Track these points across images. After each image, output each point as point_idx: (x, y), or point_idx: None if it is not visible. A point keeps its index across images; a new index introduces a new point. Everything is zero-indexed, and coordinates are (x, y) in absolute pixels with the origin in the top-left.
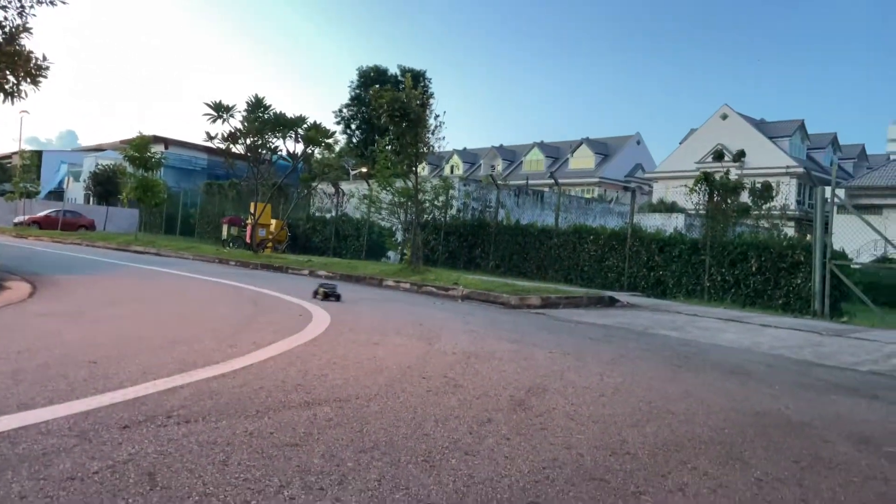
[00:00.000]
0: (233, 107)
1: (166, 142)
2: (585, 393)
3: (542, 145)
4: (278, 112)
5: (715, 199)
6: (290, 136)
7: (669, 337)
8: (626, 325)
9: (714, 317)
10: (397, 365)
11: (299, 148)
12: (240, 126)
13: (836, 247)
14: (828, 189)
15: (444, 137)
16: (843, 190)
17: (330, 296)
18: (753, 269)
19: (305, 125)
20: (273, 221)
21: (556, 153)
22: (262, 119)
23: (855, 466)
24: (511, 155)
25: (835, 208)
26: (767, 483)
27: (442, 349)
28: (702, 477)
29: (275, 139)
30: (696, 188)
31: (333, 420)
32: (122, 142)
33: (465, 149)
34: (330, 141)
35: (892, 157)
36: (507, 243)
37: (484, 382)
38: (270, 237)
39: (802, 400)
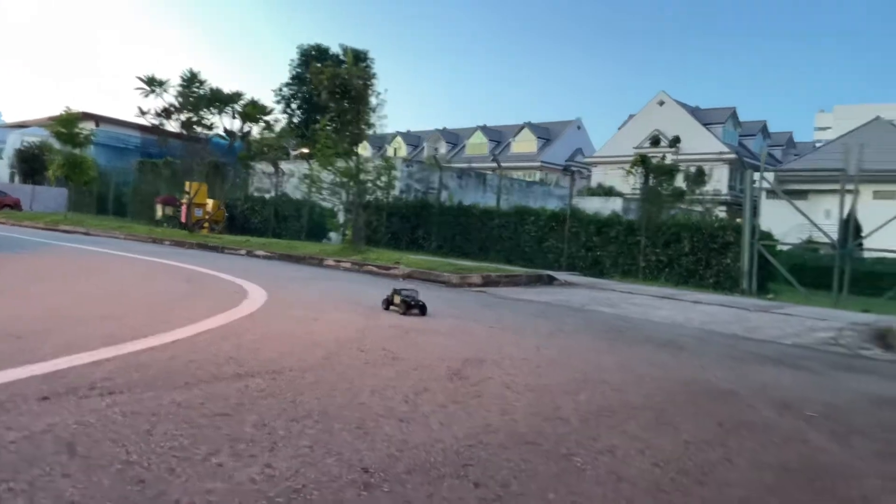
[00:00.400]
0: (166, 81)
1: (97, 119)
2: (522, 364)
3: (485, 129)
4: (214, 87)
5: (650, 181)
6: (227, 113)
7: (605, 313)
8: (564, 303)
9: (648, 294)
10: (335, 339)
11: (236, 125)
12: (174, 101)
13: (765, 229)
14: (756, 174)
15: (385, 116)
16: (772, 175)
17: (412, 307)
18: (686, 249)
19: (242, 101)
20: (210, 201)
21: (498, 137)
22: (197, 94)
23: (776, 429)
24: (454, 138)
25: (763, 193)
26: (694, 444)
27: (381, 324)
28: (631, 440)
29: (210, 116)
30: (633, 171)
31: (266, 391)
32: (49, 118)
33: (408, 131)
34: (269, 118)
35: (818, 144)
36: (450, 224)
37: (422, 355)
38: (207, 217)
39: (730, 370)
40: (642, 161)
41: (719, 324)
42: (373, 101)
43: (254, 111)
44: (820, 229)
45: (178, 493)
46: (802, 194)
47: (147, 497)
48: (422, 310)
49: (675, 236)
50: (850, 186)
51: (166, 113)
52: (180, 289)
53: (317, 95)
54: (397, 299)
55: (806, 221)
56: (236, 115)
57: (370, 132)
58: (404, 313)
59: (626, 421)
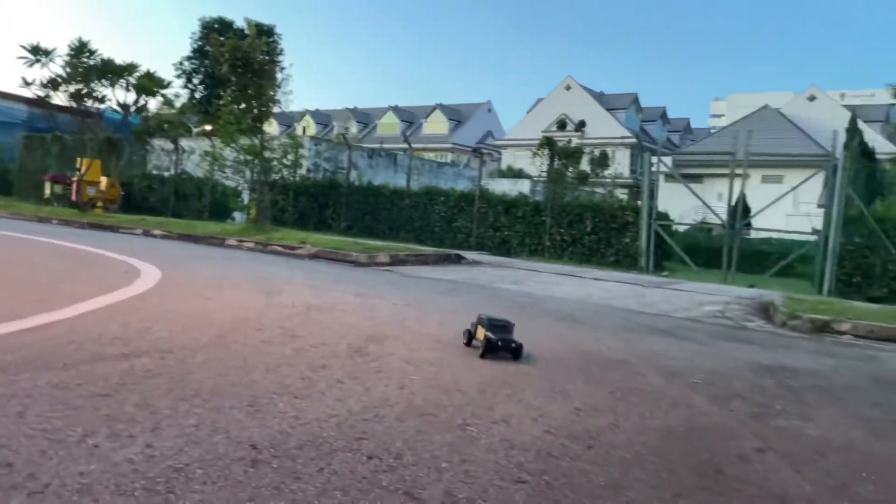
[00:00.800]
0: (53, 50)
1: None
2: (424, 339)
3: (396, 109)
4: (106, 58)
5: (556, 163)
6: (121, 85)
7: (510, 290)
8: (470, 281)
9: (552, 272)
10: (231, 318)
11: (131, 98)
12: (61, 72)
13: (662, 210)
14: (654, 157)
15: (291, 91)
16: (670, 159)
17: (499, 347)
18: (588, 229)
19: (137, 73)
20: (104, 179)
21: (410, 117)
22: (87, 65)
23: (663, 395)
24: (365, 118)
25: (662, 177)
26: (584, 411)
27: (282, 302)
28: (526, 409)
29: (102, 88)
30: (540, 153)
31: (152, 371)
32: None
33: (317, 110)
34: (166, 92)
35: (712, 130)
36: (359, 204)
37: (323, 332)
38: (100, 196)
39: (622, 341)
40: (548, 143)
41: (617, 299)
42: (278, 76)
43: (149, 84)
44: (712, 210)
45: (48, 476)
46: (698, 178)
47: (14, 481)
48: (515, 353)
49: (579, 216)
50: (739, 170)
51: (53, 84)
52: (66, 268)
53: (218, 68)
54: (480, 332)
55: (700, 203)
56: (130, 88)
57: (276, 109)
58: (483, 355)
59: (522, 391)
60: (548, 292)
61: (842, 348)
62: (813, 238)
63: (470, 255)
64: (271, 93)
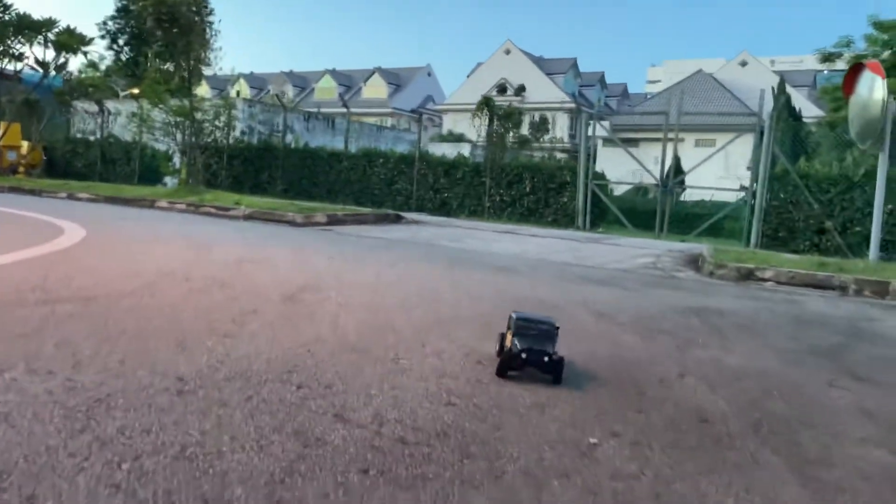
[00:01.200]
0: None
1: None
2: (360, 288)
3: (334, 73)
4: (22, 13)
5: (496, 125)
6: (39, 42)
7: (449, 246)
8: (410, 239)
9: (491, 230)
10: (157, 270)
11: (50, 56)
12: None
13: (599, 171)
14: (590, 114)
15: (220, 48)
16: (608, 123)
17: (525, 362)
18: (528, 189)
19: (56, 29)
20: (24, 143)
21: (348, 81)
22: (2, 20)
23: (591, 331)
24: (302, 81)
25: (600, 141)
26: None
27: (212, 257)
28: (459, 346)
29: (20, 45)
30: (479, 114)
31: (75, 315)
32: None
33: (252, 73)
34: (90, 51)
35: (649, 95)
36: (296, 167)
37: (255, 282)
38: (22, 161)
39: (556, 288)
40: (486, 104)
41: (552, 253)
42: (206, 32)
43: (70, 40)
44: (646, 170)
45: None
46: (634, 142)
47: None
48: (551, 371)
49: (518, 177)
50: (672, 134)
51: None
52: None
53: (142, 24)
54: (508, 339)
55: (637, 168)
56: (50, 45)
57: (206, 68)
58: (500, 372)
59: (456, 330)
60: (486, 248)
61: (765, 293)
62: (741, 195)
63: (410, 216)
64: (200, 50)
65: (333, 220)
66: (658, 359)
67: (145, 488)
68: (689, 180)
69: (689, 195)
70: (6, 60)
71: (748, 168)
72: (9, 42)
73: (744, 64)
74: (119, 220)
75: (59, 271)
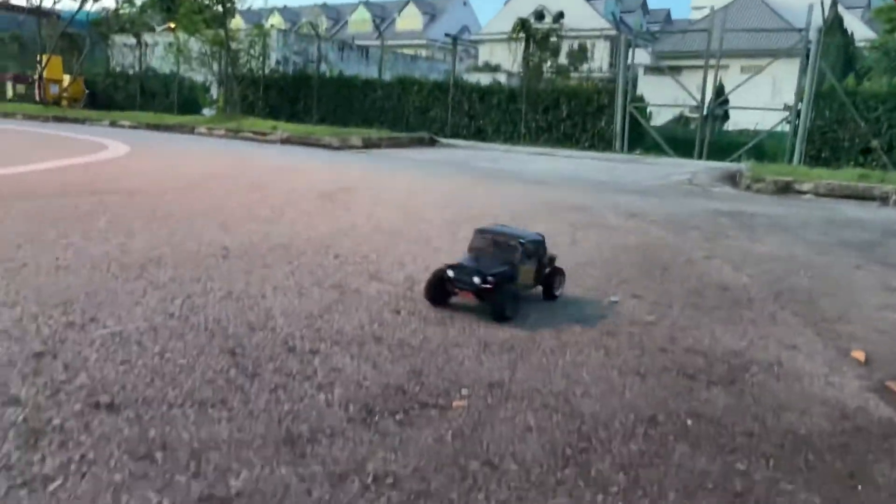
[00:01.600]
0: None
1: None
2: (394, 191)
3: (368, 4)
4: None
5: (532, 49)
6: None
7: (483, 166)
8: (445, 159)
9: (526, 152)
10: (200, 174)
11: None
12: None
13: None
14: (629, 37)
15: None
16: (649, 50)
17: (465, 285)
18: (564, 114)
19: None
20: (66, 77)
21: (382, 13)
22: None
23: (621, 228)
24: (336, 14)
25: (641, 69)
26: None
27: (252, 165)
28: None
29: None
30: (515, 36)
31: (124, 204)
32: None
33: (285, 7)
34: None
35: (692, 21)
36: (331, 97)
37: (293, 185)
38: (64, 94)
39: (589, 196)
40: (523, 26)
41: (589, 171)
42: None
43: None
44: (688, 91)
45: (24, 258)
46: (677, 70)
47: None
48: (493, 303)
49: (555, 102)
50: (713, 60)
51: None
52: (32, 144)
53: None
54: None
55: (679, 96)
56: None
57: None
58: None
59: (485, 222)
60: (521, 167)
61: (801, 202)
62: (784, 114)
63: (445, 140)
64: None
65: (369, 144)
66: (686, 247)
67: (196, 316)
68: (733, 114)
69: (733, 124)
70: None
71: (784, 107)
72: None
73: None
74: (160, 141)
75: (106, 173)
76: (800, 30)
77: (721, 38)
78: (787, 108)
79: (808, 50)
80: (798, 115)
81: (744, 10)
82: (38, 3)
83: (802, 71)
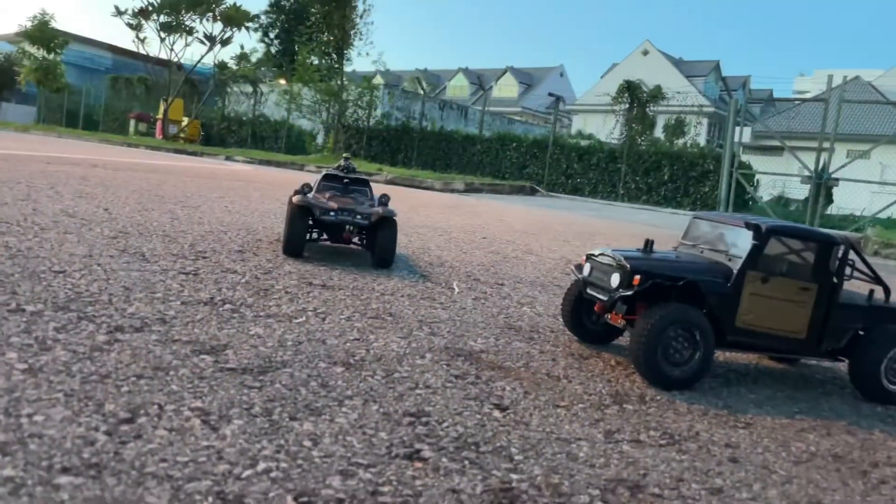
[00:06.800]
0: None
1: (68, 37)
2: (517, 213)
3: (466, 71)
4: None
5: (634, 109)
6: (208, 18)
7: (589, 212)
8: (548, 205)
9: (628, 207)
10: None
11: (217, 29)
12: (152, 0)
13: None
14: (739, 95)
15: (372, 22)
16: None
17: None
18: (666, 177)
19: (224, 4)
20: (185, 119)
21: (479, 80)
22: None
23: None
24: (435, 79)
25: (741, 148)
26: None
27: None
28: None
29: (190, 21)
30: (619, 98)
31: (255, 184)
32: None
33: (388, 70)
34: (250, 25)
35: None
36: (431, 149)
37: (415, 201)
38: (182, 135)
39: None
40: (628, 88)
41: None
42: (359, 5)
43: (237, 14)
44: (803, 164)
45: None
46: (779, 150)
47: None
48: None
49: (656, 164)
50: (825, 144)
51: (144, 14)
52: (171, 155)
53: None
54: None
55: (778, 177)
56: (217, 18)
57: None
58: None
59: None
60: (626, 216)
61: None
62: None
63: (544, 191)
64: (353, 22)
65: (471, 189)
66: None
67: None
68: (838, 198)
69: (836, 209)
70: (178, 34)
71: None
72: (181, 16)
73: None
74: (274, 172)
75: (241, 172)
76: None
77: (837, 117)
78: None
79: None
80: None
81: (853, 94)
82: (167, 56)
83: None
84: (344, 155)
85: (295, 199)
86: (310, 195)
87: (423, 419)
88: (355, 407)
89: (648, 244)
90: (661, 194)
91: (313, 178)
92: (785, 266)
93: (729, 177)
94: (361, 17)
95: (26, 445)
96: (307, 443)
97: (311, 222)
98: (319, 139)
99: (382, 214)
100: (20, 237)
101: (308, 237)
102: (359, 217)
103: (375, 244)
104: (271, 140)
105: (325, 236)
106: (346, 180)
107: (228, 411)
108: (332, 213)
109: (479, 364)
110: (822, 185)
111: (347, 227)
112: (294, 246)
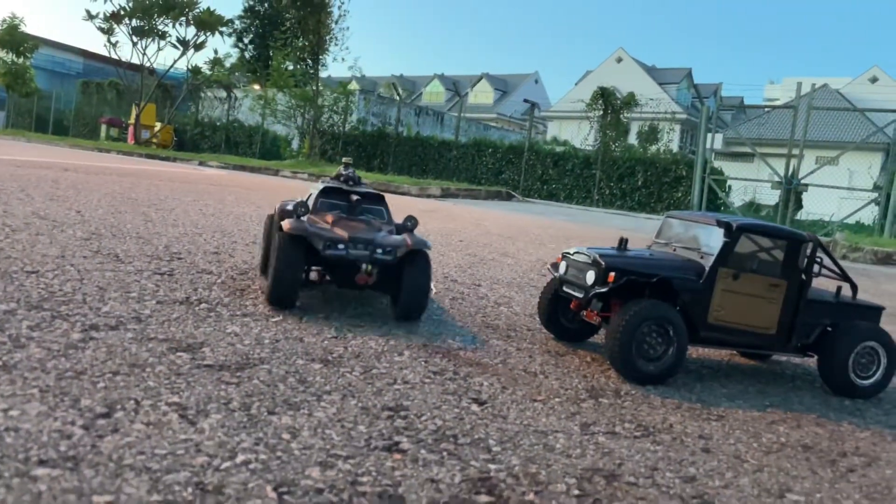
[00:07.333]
0: None
1: (38, 41)
2: (494, 218)
3: (442, 77)
4: None
5: (608, 116)
6: (181, 23)
7: (564, 216)
8: (524, 210)
9: (602, 212)
10: (290, 187)
11: (191, 33)
12: (124, 4)
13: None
14: (710, 102)
15: (348, 28)
16: (721, 137)
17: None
18: (640, 182)
19: (197, 9)
20: (158, 124)
21: (455, 87)
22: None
23: None
24: (411, 85)
25: (712, 154)
26: None
27: None
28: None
29: (163, 25)
30: (593, 105)
31: (230, 186)
32: None
33: (363, 76)
34: (224, 29)
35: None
36: (407, 154)
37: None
38: (155, 140)
39: None
40: (602, 95)
41: None
42: (335, 10)
43: (210, 18)
44: (774, 170)
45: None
46: (749, 157)
47: None
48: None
49: (630, 170)
50: (794, 150)
51: (116, 17)
52: (146, 162)
53: (276, 1)
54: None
55: (749, 182)
56: (191, 22)
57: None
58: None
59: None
60: (600, 220)
61: None
62: (874, 195)
63: (520, 197)
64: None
65: (447, 194)
66: None
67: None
68: (808, 204)
69: (805, 214)
70: (151, 38)
71: (875, 187)
72: (154, 21)
73: (874, 80)
74: (249, 176)
75: (215, 176)
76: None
77: (806, 124)
78: (876, 188)
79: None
80: (888, 197)
81: (821, 101)
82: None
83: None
84: (343, 160)
85: (286, 224)
86: (306, 219)
87: (402, 413)
88: (334, 402)
89: (623, 242)
90: (634, 200)
91: (306, 190)
92: (755, 263)
93: (701, 182)
94: (337, 22)
95: (2, 439)
96: (286, 436)
97: (309, 258)
98: (294, 144)
99: (412, 247)
100: None
101: (305, 277)
102: (380, 251)
103: (402, 288)
104: (245, 145)
105: (328, 277)
106: (355, 197)
107: (206, 406)
108: (341, 247)
109: (457, 361)
110: (792, 190)
111: (364, 266)
112: (285, 293)
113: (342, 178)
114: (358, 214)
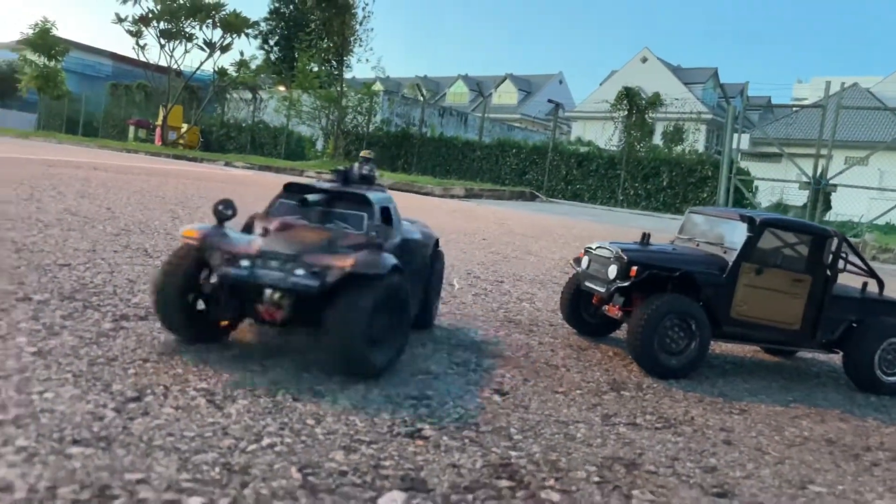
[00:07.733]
0: None
1: (69, 44)
2: (514, 217)
3: (466, 78)
4: None
5: (633, 116)
6: (208, 25)
7: (589, 217)
8: (547, 210)
9: (627, 213)
10: None
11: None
12: (153, 7)
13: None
14: (737, 102)
15: (372, 29)
16: (747, 138)
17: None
18: (665, 183)
19: (224, 11)
20: (185, 126)
21: (479, 87)
22: (177, 2)
23: None
24: (435, 86)
25: (738, 154)
26: None
27: None
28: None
29: (190, 27)
30: (617, 105)
31: (257, 185)
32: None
33: (387, 77)
34: (250, 32)
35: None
36: (431, 155)
37: (419, 206)
38: (181, 141)
39: None
40: (627, 94)
41: None
42: (359, 12)
43: (236, 21)
44: (802, 170)
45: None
46: (776, 157)
47: None
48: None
49: (655, 170)
50: (823, 151)
51: (144, 21)
52: (171, 161)
53: (302, 3)
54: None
55: (777, 183)
56: (217, 25)
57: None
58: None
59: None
60: (626, 221)
61: None
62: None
63: (544, 197)
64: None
65: (471, 194)
66: None
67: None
68: (837, 205)
69: (834, 215)
70: (178, 40)
71: None
72: (181, 23)
73: None
74: (276, 177)
75: (241, 176)
76: None
77: (835, 124)
78: None
79: None
80: None
81: (851, 101)
82: (167, 63)
83: None
84: (362, 153)
85: (186, 229)
86: (229, 224)
87: (425, 402)
88: (358, 390)
89: (645, 237)
90: (659, 200)
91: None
92: (779, 258)
93: (727, 182)
94: (361, 23)
95: (38, 419)
96: (310, 421)
97: (200, 280)
98: (319, 145)
99: (353, 268)
100: (25, 233)
101: (200, 307)
102: (300, 273)
103: (322, 331)
104: (270, 146)
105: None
106: (311, 197)
107: (233, 392)
108: (245, 263)
109: (480, 353)
110: (821, 191)
111: (268, 292)
112: (168, 319)
113: (347, 172)
114: (324, 221)
